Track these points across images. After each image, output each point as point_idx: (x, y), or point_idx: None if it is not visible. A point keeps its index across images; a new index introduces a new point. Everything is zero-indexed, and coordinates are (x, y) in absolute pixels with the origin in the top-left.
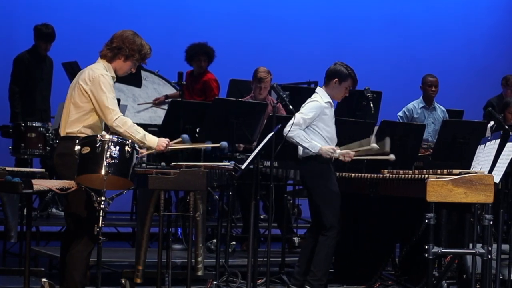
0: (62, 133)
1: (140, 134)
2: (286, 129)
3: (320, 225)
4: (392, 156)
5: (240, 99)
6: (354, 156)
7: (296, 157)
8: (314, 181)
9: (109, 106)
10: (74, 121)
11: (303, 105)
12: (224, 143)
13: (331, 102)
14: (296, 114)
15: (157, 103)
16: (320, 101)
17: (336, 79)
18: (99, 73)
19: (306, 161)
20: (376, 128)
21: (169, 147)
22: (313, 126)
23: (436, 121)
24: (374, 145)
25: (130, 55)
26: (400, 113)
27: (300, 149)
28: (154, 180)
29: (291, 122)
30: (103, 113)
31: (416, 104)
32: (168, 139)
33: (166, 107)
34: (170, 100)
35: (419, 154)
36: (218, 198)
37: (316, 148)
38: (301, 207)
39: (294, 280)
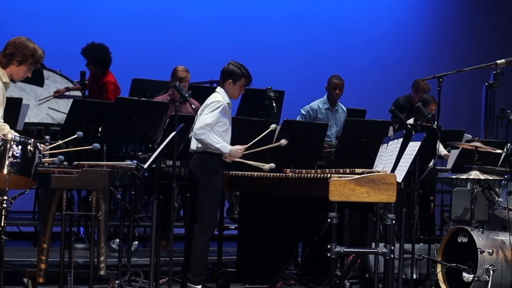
0: None
1: None
2: (197, 132)
3: (197, 220)
4: (283, 141)
5: (143, 98)
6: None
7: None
8: (202, 174)
9: None
10: None
11: (207, 104)
12: (96, 145)
13: (231, 103)
14: (204, 115)
15: (58, 96)
16: (222, 100)
17: (230, 80)
18: None
19: (199, 154)
20: (278, 127)
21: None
22: (216, 125)
23: (338, 121)
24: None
25: (24, 60)
26: (303, 111)
27: (194, 143)
28: (56, 180)
29: (199, 124)
30: None
31: (320, 105)
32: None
33: (67, 100)
34: (70, 92)
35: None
36: (120, 197)
37: (227, 149)
38: None
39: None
